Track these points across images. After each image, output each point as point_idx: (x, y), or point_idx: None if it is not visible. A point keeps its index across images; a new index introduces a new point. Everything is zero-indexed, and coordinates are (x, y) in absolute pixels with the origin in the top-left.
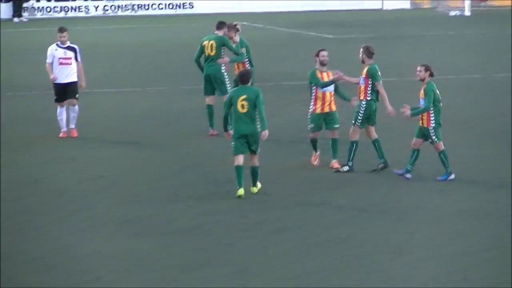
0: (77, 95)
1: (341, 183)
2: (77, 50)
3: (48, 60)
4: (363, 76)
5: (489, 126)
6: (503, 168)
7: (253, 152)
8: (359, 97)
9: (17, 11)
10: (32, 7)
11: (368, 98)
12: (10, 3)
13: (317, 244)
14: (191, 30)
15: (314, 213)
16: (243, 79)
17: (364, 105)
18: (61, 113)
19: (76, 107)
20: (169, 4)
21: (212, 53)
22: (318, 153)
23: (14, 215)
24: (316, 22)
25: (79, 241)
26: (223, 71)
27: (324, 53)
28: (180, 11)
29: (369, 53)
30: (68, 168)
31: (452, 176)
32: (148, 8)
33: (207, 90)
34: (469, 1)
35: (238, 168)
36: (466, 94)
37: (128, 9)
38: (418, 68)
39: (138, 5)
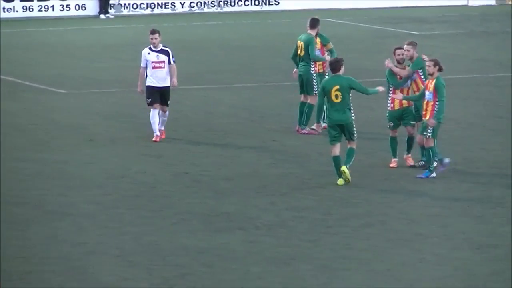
0: (168, 102)
1: (424, 180)
2: (170, 52)
3: (142, 65)
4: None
5: None
6: None
7: (350, 139)
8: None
9: (104, 8)
10: (119, 4)
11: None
12: (97, 0)
13: (401, 240)
14: (277, 27)
15: (397, 209)
16: (333, 67)
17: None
18: (154, 115)
19: (167, 112)
20: (255, 1)
21: (302, 54)
22: (396, 159)
23: (99, 211)
24: (401, 19)
25: (165, 237)
26: (313, 71)
27: (401, 51)
28: (266, 7)
29: (440, 67)
30: (155, 165)
31: (434, 175)
32: (234, 5)
33: (300, 89)
34: None
35: (335, 159)
36: None
37: (214, 6)
38: (427, 63)
39: (224, 1)
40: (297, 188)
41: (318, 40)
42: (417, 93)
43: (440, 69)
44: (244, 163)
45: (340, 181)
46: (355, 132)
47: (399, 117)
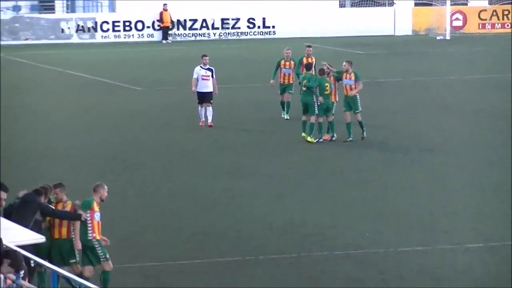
0: (211, 101)
1: None
2: (213, 70)
3: (194, 76)
4: (352, 79)
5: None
6: None
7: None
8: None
9: (165, 36)
10: (174, 33)
11: None
12: (160, 32)
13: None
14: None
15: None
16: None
17: None
18: (201, 110)
19: (210, 108)
20: (260, 32)
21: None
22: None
23: (156, 167)
24: (352, 44)
25: (201, 181)
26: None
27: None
28: (267, 36)
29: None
30: (197, 134)
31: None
32: (247, 34)
33: None
34: (449, 28)
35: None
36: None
37: (235, 35)
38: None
39: (244, 33)
40: (286, 150)
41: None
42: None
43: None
44: (255, 132)
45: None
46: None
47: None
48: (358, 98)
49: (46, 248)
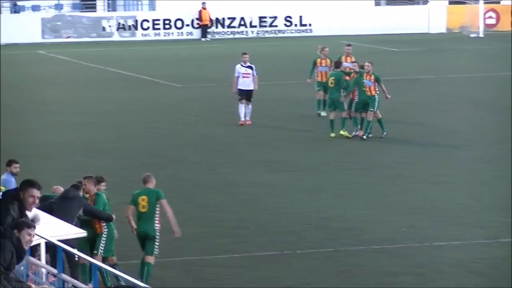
0: (251, 99)
1: None
2: (254, 68)
3: (235, 75)
4: (372, 80)
5: None
6: None
7: None
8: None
9: (204, 34)
10: (213, 31)
11: None
12: (199, 29)
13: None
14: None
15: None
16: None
17: None
18: (241, 108)
19: (250, 106)
20: (297, 30)
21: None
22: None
23: (199, 160)
24: (388, 41)
25: (241, 174)
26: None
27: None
28: (303, 33)
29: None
30: (234, 129)
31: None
32: (284, 32)
33: None
34: (482, 26)
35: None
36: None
37: (272, 33)
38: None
39: (281, 31)
40: (322, 146)
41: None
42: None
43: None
44: (290, 128)
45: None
46: None
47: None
48: (377, 99)
49: (86, 241)
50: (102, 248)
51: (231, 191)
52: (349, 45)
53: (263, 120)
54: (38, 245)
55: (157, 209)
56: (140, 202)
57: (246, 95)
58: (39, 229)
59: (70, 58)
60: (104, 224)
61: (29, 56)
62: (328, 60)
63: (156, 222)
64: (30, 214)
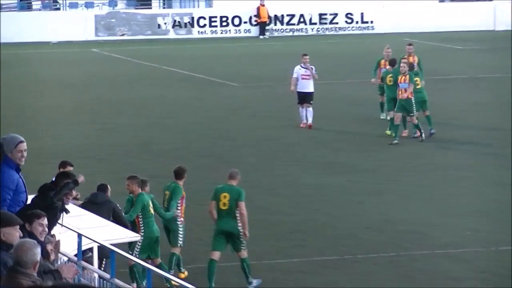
0: (311, 101)
1: None
2: (314, 69)
3: (294, 76)
4: (407, 81)
5: None
6: None
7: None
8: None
9: (262, 31)
10: (271, 28)
11: None
12: (258, 26)
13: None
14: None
15: None
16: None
17: None
18: (302, 111)
19: (311, 109)
20: (358, 27)
21: None
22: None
23: (255, 162)
24: (452, 39)
25: (300, 175)
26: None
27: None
28: (365, 31)
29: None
30: (294, 131)
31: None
32: (345, 30)
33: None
34: None
35: None
36: None
37: (332, 30)
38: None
39: (342, 28)
40: (382, 147)
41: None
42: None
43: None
44: (351, 130)
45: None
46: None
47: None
48: (413, 100)
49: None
50: (138, 249)
51: (288, 193)
52: (410, 44)
53: (322, 120)
54: (90, 249)
55: (237, 208)
56: (222, 199)
57: (305, 98)
58: (92, 232)
59: (125, 57)
60: (142, 225)
61: (82, 55)
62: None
63: (239, 220)
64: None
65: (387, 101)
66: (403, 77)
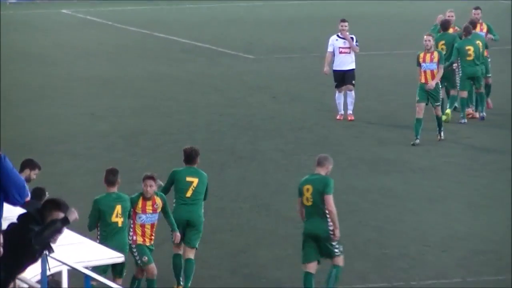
0: (353, 81)
1: None
2: (354, 39)
3: (329, 49)
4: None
5: None
6: None
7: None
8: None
9: None
10: None
11: None
12: None
13: None
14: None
15: None
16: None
17: None
18: (339, 97)
19: (353, 92)
20: None
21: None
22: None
23: (282, 157)
24: None
25: (337, 178)
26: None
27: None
28: None
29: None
30: (328, 119)
31: None
32: None
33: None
34: None
35: None
36: None
37: None
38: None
39: None
40: (447, 139)
41: None
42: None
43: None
44: (401, 118)
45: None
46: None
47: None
48: (440, 86)
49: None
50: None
51: None
52: (477, 8)
53: (366, 103)
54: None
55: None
56: (305, 193)
57: (345, 78)
58: (60, 251)
59: (105, 20)
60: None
61: (49, 18)
62: (456, 28)
63: (329, 219)
64: None
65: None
66: (428, 55)
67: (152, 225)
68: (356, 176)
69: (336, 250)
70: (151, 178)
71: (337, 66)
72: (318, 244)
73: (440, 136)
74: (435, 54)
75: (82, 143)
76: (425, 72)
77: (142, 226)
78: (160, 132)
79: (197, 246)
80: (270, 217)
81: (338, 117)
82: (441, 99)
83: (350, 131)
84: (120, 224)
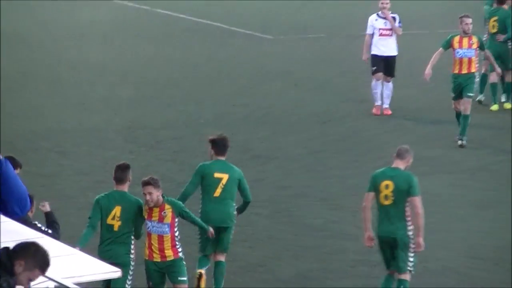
0: (394, 71)
1: None
2: (397, 19)
3: (368, 31)
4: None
5: None
6: None
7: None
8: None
9: None
10: None
11: None
12: None
13: None
14: None
15: None
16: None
17: None
18: (376, 86)
19: (390, 84)
20: None
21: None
22: None
23: (305, 155)
24: None
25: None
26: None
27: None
28: None
29: None
30: (357, 109)
31: None
32: None
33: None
34: None
35: None
36: None
37: None
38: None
39: None
40: (497, 135)
41: None
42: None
43: None
44: (445, 110)
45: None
46: None
47: None
48: (476, 76)
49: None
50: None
51: (351, 204)
52: None
53: (404, 92)
54: None
55: (407, 204)
56: (382, 189)
57: (384, 65)
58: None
59: None
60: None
61: None
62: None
63: (408, 221)
64: None
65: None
66: (465, 40)
67: (161, 238)
68: None
69: (410, 264)
70: (149, 184)
71: (376, 51)
72: (392, 251)
73: (461, 141)
74: (474, 39)
75: (71, 139)
76: (460, 60)
77: (149, 235)
78: (161, 126)
79: (228, 249)
80: (292, 226)
81: (374, 111)
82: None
83: (385, 125)
84: (116, 228)
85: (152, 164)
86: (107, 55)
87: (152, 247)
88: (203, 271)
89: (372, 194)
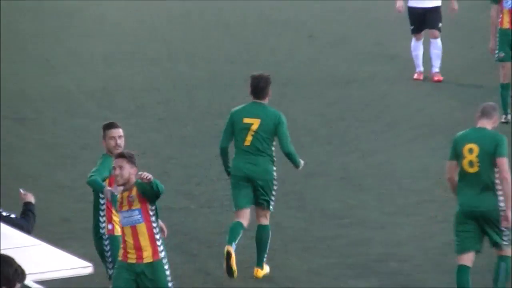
0: (440, 24)
1: None
2: None
3: None
4: None
5: None
6: None
7: None
8: None
9: None
10: None
11: None
12: None
13: None
14: None
15: None
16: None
17: None
18: (417, 47)
19: (438, 40)
20: None
21: None
22: None
23: (322, 126)
24: None
25: (399, 156)
26: None
27: None
28: None
29: None
30: (388, 68)
31: None
32: None
33: None
34: None
35: None
36: None
37: None
38: None
39: None
40: None
41: None
42: None
43: None
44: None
45: None
46: None
47: None
48: None
49: None
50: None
51: (376, 185)
52: None
53: (449, 55)
54: None
55: (497, 170)
56: (466, 154)
57: (426, 19)
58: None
59: None
60: None
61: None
62: None
63: (499, 190)
64: None
65: None
66: None
67: (134, 229)
68: (432, 154)
69: (505, 238)
70: (122, 156)
71: (414, 2)
72: (481, 227)
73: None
74: None
75: (31, 103)
76: (510, 12)
77: (122, 230)
78: (144, 88)
79: (271, 208)
80: (303, 211)
81: (415, 76)
82: None
83: (419, 88)
84: None
85: (132, 134)
86: (78, 2)
87: (127, 244)
88: (231, 248)
89: (454, 162)
